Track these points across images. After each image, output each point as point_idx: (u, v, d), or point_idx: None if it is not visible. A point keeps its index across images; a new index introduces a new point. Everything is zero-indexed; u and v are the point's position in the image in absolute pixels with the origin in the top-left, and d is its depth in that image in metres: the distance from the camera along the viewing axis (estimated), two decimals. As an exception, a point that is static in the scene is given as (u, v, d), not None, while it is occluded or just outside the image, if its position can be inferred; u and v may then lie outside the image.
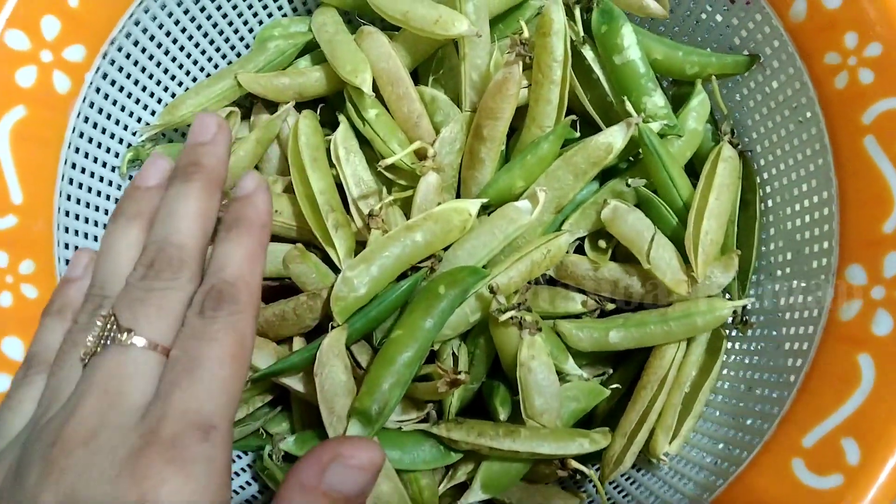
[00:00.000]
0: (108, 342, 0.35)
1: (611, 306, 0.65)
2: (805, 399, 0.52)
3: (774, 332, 0.60)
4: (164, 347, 0.35)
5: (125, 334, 0.35)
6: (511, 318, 0.58)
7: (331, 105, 0.71)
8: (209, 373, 0.33)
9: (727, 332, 0.65)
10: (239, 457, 0.67)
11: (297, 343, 0.63)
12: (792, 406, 0.53)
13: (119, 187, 0.66)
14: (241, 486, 0.64)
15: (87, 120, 0.61)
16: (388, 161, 0.63)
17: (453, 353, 0.64)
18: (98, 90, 0.61)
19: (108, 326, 0.36)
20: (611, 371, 0.68)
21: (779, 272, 0.62)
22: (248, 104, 0.73)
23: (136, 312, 0.36)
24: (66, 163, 0.59)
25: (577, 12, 0.64)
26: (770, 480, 0.51)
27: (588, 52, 0.65)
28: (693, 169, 0.66)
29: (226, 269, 0.37)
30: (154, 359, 0.34)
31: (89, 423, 0.32)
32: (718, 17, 0.65)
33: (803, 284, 0.59)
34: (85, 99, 0.60)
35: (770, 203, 0.64)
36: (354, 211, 0.66)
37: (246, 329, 0.36)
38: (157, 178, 0.44)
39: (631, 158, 0.67)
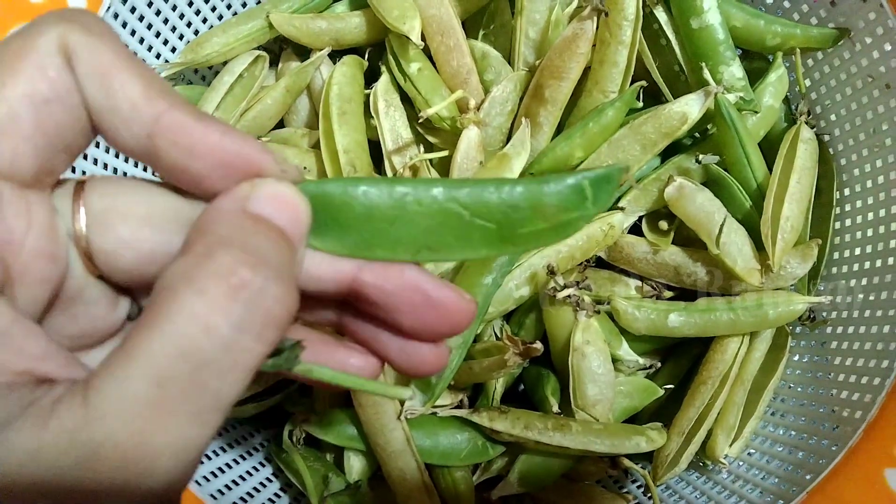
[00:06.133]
0: None
1: (668, 294, 0.59)
2: (897, 404, 0.47)
3: (851, 330, 0.55)
4: None
5: None
6: (568, 297, 0.53)
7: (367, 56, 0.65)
8: None
9: (791, 328, 0.60)
10: (252, 434, 0.60)
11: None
12: (881, 411, 0.48)
13: (132, 128, 0.59)
14: (255, 468, 0.57)
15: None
16: (430, 111, 0.57)
17: (495, 335, 0.58)
18: (116, 16, 0.54)
19: None
20: (659, 364, 0.63)
21: (855, 266, 0.57)
22: (277, 49, 0.67)
23: None
24: (76, 94, 0.52)
25: (653, -32, 0.59)
26: (859, 492, 0.46)
27: (660, 14, 0.60)
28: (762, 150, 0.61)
29: None
30: None
31: None
32: (803, -14, 0.59)
33: (886, 280, 0.54)
34: (101, 24, 0.53)
35: (847, 191, 0.59)
36: (388, 166, 0.60)
37: None
38: None
39: (696, 135, 0.62)
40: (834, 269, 0.59)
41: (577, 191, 0.22)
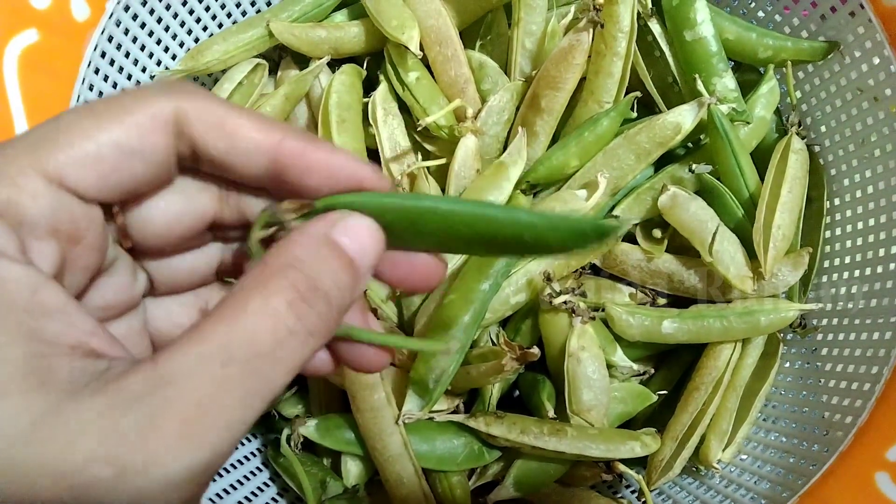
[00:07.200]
0: None
1: (662, 301, 0.60)
2: (887, 408, 0.48)
3: (841, 337, 0.56)
4: None
5: None
6: (563, 303, 0.53)
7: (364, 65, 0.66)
8: None
9: (783, 335, 0.61)
10: (248, 440, 0.61)
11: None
12: (871, 416, 0.49)
13: (132, 134, 0.59)
14: (252, 472, 0.58)
15: (103, 55, 0.54)
16: (429, 119, 0.58)
17: (492, 340, 0.59)
18: (118, 23, 0.55)
19: None
20: (653, 370, 0.64)
21: (845, 274, 0.58)
22: (276, 58, 0.67)
23: None
24: (78, 100, 0.53)
25: (648, -19, 0.60)
26: (850, 495, 0.46)
27: (654, 26, 0.61)
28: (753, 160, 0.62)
29: None
30: None
31: None
32: None
33: (875, 288, 0.55)
34: (104, 31, 0.54)
35: (837, 201, 0.60)
36: (386, 174, 0.61)
37: None
38: None
39: (689, 145, 0.63)
40: (825, 277, 0.60)
41: (580, 234, 0.24)
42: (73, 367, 0.19)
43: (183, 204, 0.25)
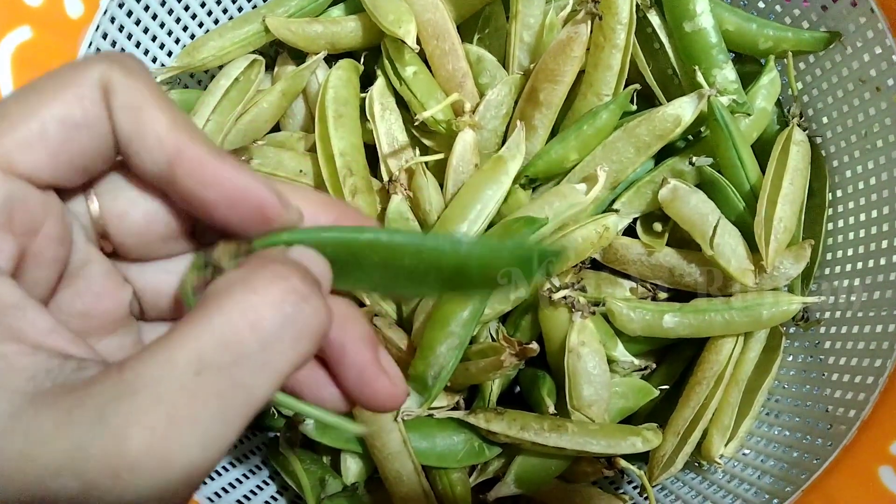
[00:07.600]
0: None
1: (663, 295, 0.60)
2: (891, 401, 0.48)
3: (844, 330, 0.56)
4: None
5: None
6: (563, 298, 0.53)
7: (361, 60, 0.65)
8: None
9: (785, 328, 0.60)
10: (247, 438, 0.60)
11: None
12: (874, 409, 0.48)
13: (128, 132, 0.59)
14: (251, 471, 0.57)
15: (98, 52, 0.54)
16: (426, 114, 0.57)
17: (491, 336, 0.59)
18: (113, 20, 0.55)
19: None
20: (654, 365, 0.63)
21: (848, 266, 0.58)
22: (273, 54, 0.67)
23: None
24: (73, 97, 0.52)
25: (646, -28, 0.59)
26: (853, 489, 0.46)
27: (654, 18, 0.60)
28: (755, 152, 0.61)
29: None
30: None
31: None
32: (794, -10, 0.60)
33: (878, 280, 0.54)
34: (98, 28, 0.53)
35: (839, 193, 0.60)
36: (384, 169, 0.60)
37: None
38: None
39: (690, 137, 0.62)
40: (827, 270, 0.60)
41: (525, 260, 0.23)
42: (36, 369, 0.18)
43: (160, 197, 0.24)
